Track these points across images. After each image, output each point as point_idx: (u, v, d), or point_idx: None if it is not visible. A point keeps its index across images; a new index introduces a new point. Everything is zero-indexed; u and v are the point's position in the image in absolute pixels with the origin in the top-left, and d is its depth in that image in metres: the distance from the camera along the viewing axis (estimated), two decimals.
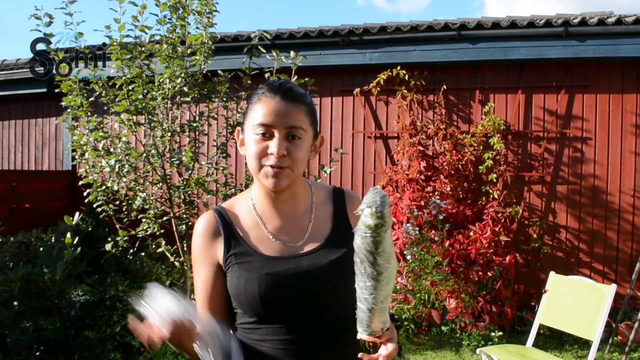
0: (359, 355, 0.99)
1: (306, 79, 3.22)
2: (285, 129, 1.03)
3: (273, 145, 1.03)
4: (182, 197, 3.42)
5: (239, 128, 1.14)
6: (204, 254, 1.10)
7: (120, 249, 3.59)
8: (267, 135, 1.04)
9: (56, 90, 3.53)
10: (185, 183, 3.41)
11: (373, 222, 0.89)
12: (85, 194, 3.59)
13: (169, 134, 3.35)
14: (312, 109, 1.09)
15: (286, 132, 1.04)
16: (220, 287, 1.08)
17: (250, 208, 1.13)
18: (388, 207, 0.90)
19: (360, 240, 0.92)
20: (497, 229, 4.27)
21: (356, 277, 0.97)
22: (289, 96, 1.04)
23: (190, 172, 3.42)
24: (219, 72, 3.50)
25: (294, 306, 1.05)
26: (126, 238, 3.55)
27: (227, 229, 1.10)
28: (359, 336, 1.01)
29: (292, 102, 1.04)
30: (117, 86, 3.32)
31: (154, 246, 3.98)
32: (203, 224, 1.12)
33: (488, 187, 4.50)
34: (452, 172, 4.51)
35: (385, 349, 0.99)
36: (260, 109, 1.04)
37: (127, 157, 3.35)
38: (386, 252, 0.93)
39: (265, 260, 1.06)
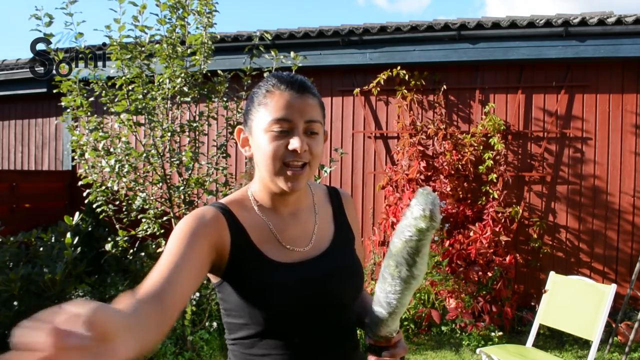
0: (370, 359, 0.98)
1: None
2: (305, 124, 0.95)
3: (295, 141, 0.93)
4: (182, 197, 3.42)
5: (240, 127, 1.04)
6: (202, 234, 0.91)
7: (120, 249, 3.59)
8: (285, 131, 0.94)
9: (56, 91, 3.53)
10: (185, 183, 3.41)
11: (425, 225, 0.83)
12: (85, 194, 3.59)
13: (169, 134, 3.35)
14: (322, 103, 1.02)
15: (305, 127, 0.95)
16: (193, 272, 0.87)
17: (255, 209, 1.03)
18: (438, 208, 0.85)
19: (402, 244, 0.86)
20: (497, 229, 4.27)
21: (382, 282, 0.92)
22: (305, 89, 0.96)
23: (190, 172, 3.42)
24: (219, 72, 3.50)
25: (306, 313, 0.98)
26: (126, 238, 3.55)
27: (234, 230, 0.97)
28: (368, 341, 0.99)
29: (307, 95, 0.96)
30: (117, 86, 3.32)
31: (154, 246, 3.98)
32: (210, 216, 0.95)
33: (488, 187, 4.50)
34: (452, 172, 4.51)
35: (395, 349, 0.98)
36: (275, 103, 0.95)
37: (127, 157, 3.35)
38: (426, 256, 0.89)
39: (276, 266, 0.98)
